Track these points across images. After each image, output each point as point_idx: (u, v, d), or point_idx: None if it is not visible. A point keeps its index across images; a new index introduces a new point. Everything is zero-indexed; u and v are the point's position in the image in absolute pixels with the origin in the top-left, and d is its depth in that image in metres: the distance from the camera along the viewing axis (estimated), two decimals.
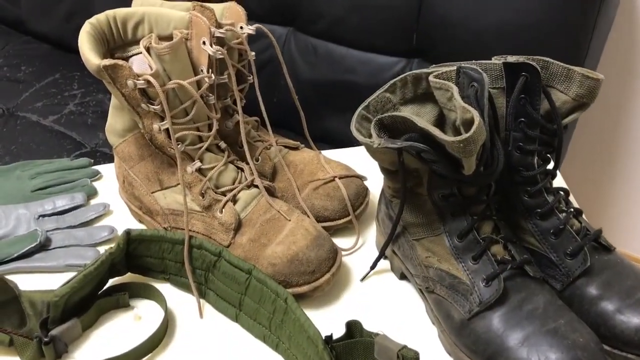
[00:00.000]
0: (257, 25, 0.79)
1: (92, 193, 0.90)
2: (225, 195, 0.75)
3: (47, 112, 1.57)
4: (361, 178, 0.82)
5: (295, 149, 0.86)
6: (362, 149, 1.00)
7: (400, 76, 0.71)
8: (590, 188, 1.67)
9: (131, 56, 0.77)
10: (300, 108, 0.86)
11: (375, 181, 0.87)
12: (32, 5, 1.80)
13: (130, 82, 0.69)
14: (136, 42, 0.77)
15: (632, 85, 1.48)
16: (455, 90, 0.61)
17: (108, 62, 0.68)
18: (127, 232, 0.73)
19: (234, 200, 0.76)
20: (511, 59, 0.67)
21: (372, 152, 0.67)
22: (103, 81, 0.73)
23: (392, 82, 0.71)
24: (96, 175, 0.93)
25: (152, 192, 0.80)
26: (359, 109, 0.70)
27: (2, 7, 1.87)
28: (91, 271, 0.70)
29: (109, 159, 1.40)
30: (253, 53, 0.79)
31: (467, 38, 1.25)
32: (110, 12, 0.75)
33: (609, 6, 1.21)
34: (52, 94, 1.63)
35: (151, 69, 0.69)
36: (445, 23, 1.26)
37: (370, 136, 0.70)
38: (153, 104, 0.71)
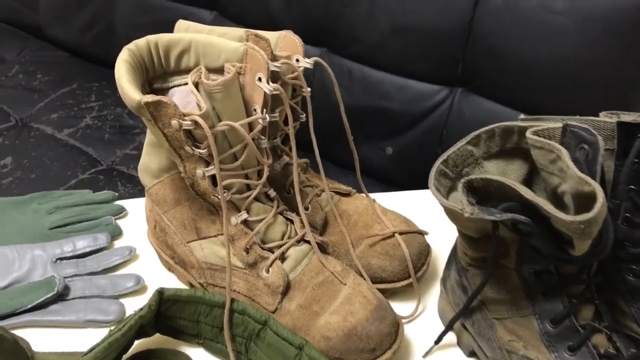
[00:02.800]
0: (315, 58, 0.68)
1: (116, 234, 0.79)
2: (273, 252, 0.64)
3: (63, 125, 1.46)
4: (423, 234, 0.71)
5: (347, 195, 0.75)
6: (414, 193, 0.89)
7: (487, 127, 0.60)
8: None
9: (172, 87, 0.66)
10: (354, 146, 0.75)
11: (437, 235, 0.76)
12: (50, 11, 1.70)
13: (174, 122, 0.58)
14: (179, 72, 0.66)
15: None
16: (565, 155, 0.51)
17: (151, 98, 0.57)
18: (160, 292, 0.62)
19: (283, 258, 0.65)
20: (627, 117, 0.56)
21: (456, 217, 0.56)
22: (142, 118, 0.62)
23: (475, 133, 0.60)
24: (121, 213, 0.82)
25: (188, 242, 0.69)
26: (437, 163, 0.60)
27: (20, 12, 1.77)
28: (117, 338, 0.59)
29: (126, 177, 1.29)
30: (309, 89, 0.69)
31: (518, 70, 1.14)
32: (151, 38, 0.64)
33: None
34: (69, 106, 1.52)
35: (199, 108, 0.58)
36: (495, 53, 1.15)
37: (448, 193, 0.59)
38: (199, 147, 0.60)
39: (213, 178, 0.62)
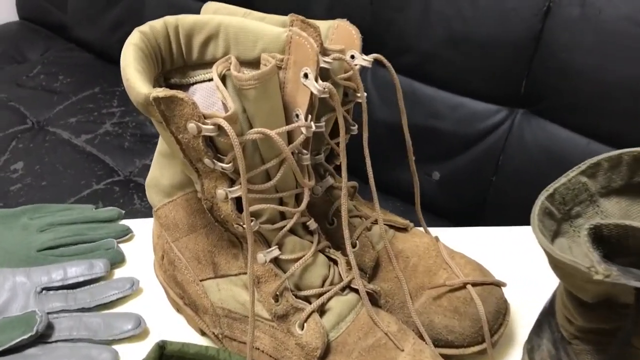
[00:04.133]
0: (376, 55, 0.52)
1: (117, 261, 0.64)
2: (309, 303, 0.48)
3: (81, 130, 1.33)
4: (500, 286, 0.55)
5: (404, 230, 0.59)
6: (482, 231, 0.73)
7: (609, 154, 0.43)
8: None
9: (193, 84, 0.51)
10: (414, 168, 0.59)
11: (515, 286, 0.59)
12: (78, 10, 1.58)
13: (192, 126, 0.43)
14: (203, 64, 0.51)
15: None
16: None
17: (162, 92, 0.42)
18: (161, 347, 0.47)
19: (322, 311, 0.49)
20: None
21: (571, 276, 0.39)
22: (152, 120, 0.47)
23: (593, 161, 0.44)
24: (126, 235, 0.67)
25: (202, 280, 0.53)
26: (541, 198, 0.43)
27: (48, 11, 1.65)
28: None
29: (143, 190, 1.14)
30: (365, 94, 0.53)
31: (593, 91, 0.97)
32: (170, 20, 0.49)
33: None
34: (89, 110, 1.39)
35: (225, 109, 0.43)
36: (567, 70, 0.98)
37: (552, 239, 0.43)
38: (222, 160, 0.45)
39: (238, 201, 0.47)
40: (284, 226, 0.48)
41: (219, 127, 0.43)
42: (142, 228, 0.68)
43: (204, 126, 0.43)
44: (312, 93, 0.46)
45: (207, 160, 0.45)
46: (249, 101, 0.43)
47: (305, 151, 0.47)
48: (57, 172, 1.22)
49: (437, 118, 1.12)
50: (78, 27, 1.59)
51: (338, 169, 0.55)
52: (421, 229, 0.60)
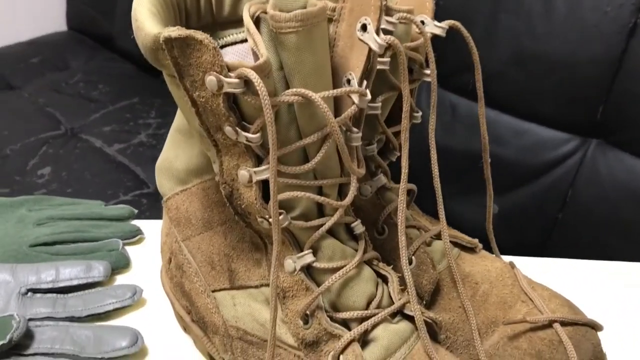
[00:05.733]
0: (452, 22, 0.41)
1: (120, 265, 0.53)
2: (349, 328, 0.37)
3: (114, 139, 1.26)
4: (597, 328, 0.42)
5: (472, 250, 0.46)
6: (565, 262, 0.60)
7: None
8: None
9: (223, 46, 0.41)
10: (489, 175, 0.47)
11: (612, 330, 0.46)
12: (125, 21, 1.53)
13: (211, 80, 0.32)
14: (235, 22, 0.40)
15: None
16: None
17: (176, 32, 0.32)
18: None
19: (365, 340, 0.37)
20: None
21: None
22: (164, 75, 0.36)
23: None
24: (135, 237, 0.57)
25: (214, 291, 0.42)
26: None
27: (96, 21, 1.62)
28: None
29: None
30: (432, 73, 0.42)
31: None
32: None
33: None
34: (125, 120, 1.32)
35: (257, 58, 0.33)
36: None
37: None
38: (247, 130, 0.34)
39: (265, 187, 0.36)
40: (322, 225, 0.37)
41: (246, 83, 0.32)
42: (155, 230, 0.57)
43: (226, 79, 0.32)
44: (370, 51, 0.35)
45: (228, 129, 0.34)
46: (287, 51, 0.33)
47: (355, 129, 0.36)
48: (84, 180, 1.15)
49: (499, 145, 1.00)
50: (123, 38, 1.54)
51: (394, 167, 0.44)
52: (494, 257, 0.48)
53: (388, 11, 0.39)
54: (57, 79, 1.46)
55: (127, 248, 0.55)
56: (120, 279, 0.52)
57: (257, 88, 0.31)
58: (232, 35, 0.41)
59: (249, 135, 0.34)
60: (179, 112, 0.43)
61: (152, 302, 0.50)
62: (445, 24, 0.41)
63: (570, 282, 0.54)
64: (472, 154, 1.03)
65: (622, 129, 0.91)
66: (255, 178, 0.35)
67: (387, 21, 0.37)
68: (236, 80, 0.32)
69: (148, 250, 0.55)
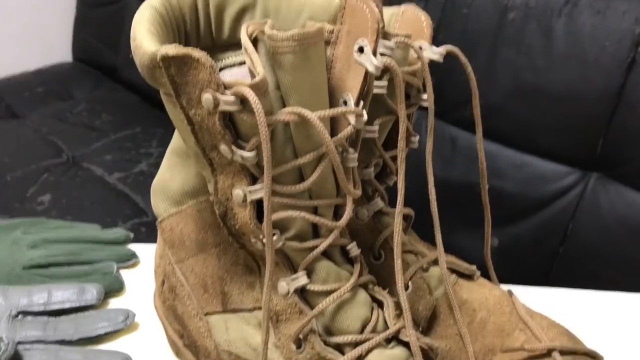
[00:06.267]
0: (449, 47, 0.42)
1: (114, 289, 0.52)
2: (342, 353, 0.36)
3: (115, 168, 1.26)
4: (596, 358, 0.41)
5: (469, 277, 0.46)
6: (564, 292, 0.59)
7: None
8: None
9: (222, 68, 0.41)
10: (487, 200, 0.47)
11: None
12: (129, 53, 1.55)
13: (207, 98, 0.32)
14: (234, 45, 0.41)
15: None
16: None
17: (173, 49, 0.32)
18: None
19: None
20: None
21: None
22: (160, 94, 0.37)
23: None
24: (130, 260, 0.56)
25: (207, 314, 0.41)
26: None
27: (101, 52, 1.64)
28: None
29: None
30: (429, 98, 0.42)
31: None
32: None
33: None
34: (126, 149, 1.32)
35: (252, 76, 0.33)
36: None
37: None
38: (242, 148, 0.34)
39: (259, 207, 0.35)
40: (317, 246, 0.36)
41: (242, 101, 0.32)
42: (150, 254, 0.56)
43: (222, 97, 0.32)
44: (366, 73, 0.35)
45: (223, 147, 0.34)
46: (284, 70, 0.33)
47: (351, 150, 0.36)
48: (83, 208, 1.14)
49: (499, 177, 0.99)
50: (128, 69, 1.56)
51: (391, 192, 0.44)
52: (492, 284, 0.47)
53: (386, 35, 0.39)
54: (61, 108, 1.47)
55: (122, 272, 0.54)
56: (114, 303, 0.52)
57: (253, 105, 0.31)
58: (231, 58, 0.41)
59: (244, 153, 0.33)
60: (175, 134, 0.43)
61: (145, 326, 0.49)
62: (443, 49, 0.41)
63: (570, 311, 0.53)
64: (472, 187, 1.03)
65: (622, 162, 0.90)
66: (250, 197, 0.35)
67: (385, 45, 0.38)
68: (232, 98, 0.32)
69: (143, 275, 0.54)
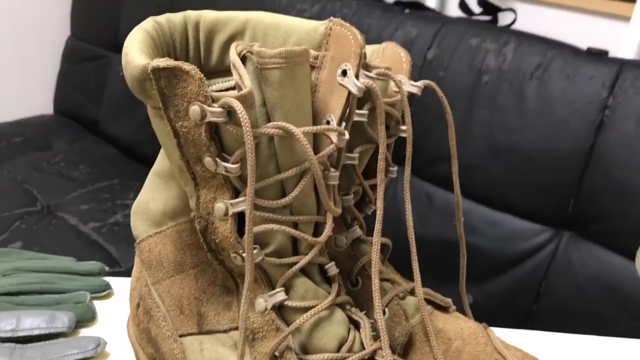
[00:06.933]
0: (426, 82, 0.44)
1: (86, 318, 0.51)
2: None
3: (90, 218, 1.25)
4: None
5: (445, 309, 0.46)
6: (540, 335, 0.59)
7: None
8: None
9: None
10: (464, 247, 0.48)
11: None
12: (112, 105, 1.57)
13: (195, 109, 0.33)
14: (222, 71, 0.42)
15: None
16: None
17: (164, 62, 0.33)
18: None
19: None
20: None
21: None
22: (147, 109, 0.38)
23: None
24: (104, 291, 0.55)
25: (182, 335, 0.41)
26: None
27: (83, 106, 1.65)
28: None
29: None
30: (408, 129, 0.43)
31: None
32: (191, 15, 0.42)
33: None
34: (103, 200, 1.32)
35: (239, 89, 0.34)
36: (620, 190, 0.89)
37: None
38: (226, 160, 0.35)
39: (241, 222, 0.36)
40: (296, 263, 0.37)
41: (229, 113, 0.33)
42: (124, 287, 0.56)
43: (209, 109, 0.33)
44: (349, 94, 0.36)
45: (208, 160, 0.35)
46: (271, 86, 0.34)
47: (333, 169, 0.37)
48: None
49: (474, 234, 1.01)
50: (109, 122, 1.57)
51: (369, 221, 0.45)
52: (467, 318, 0.47)
53: (367, 67, 0.41)
54: (39, 159, 1.47)
55: (95, 302, 0.54)
56: (85, 332, 0.51)
57: (240, 116, 0.32)
58: (218, 84, 0.42)
59: (229, 165, 0.34)
60: (159, 156, 0.44)
61: (117, 355, 0.48)
62: (421, 83, 0.43)
63: (544, 351, 0.53)
64: (448, 243, 1.05)
65: (593, 221, 0.93)
66: (232, 210, 0.35)
67: (367, 75, 0.39)
68: (219, 110, 0.33)
69: (116, 305, 0.54)
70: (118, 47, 1.51)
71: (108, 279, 0.57)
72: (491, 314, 1.01)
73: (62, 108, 1.71)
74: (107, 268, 0.58)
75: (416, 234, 0.99)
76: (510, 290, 0.98)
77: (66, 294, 0.53)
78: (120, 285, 0.56)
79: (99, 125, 1.60)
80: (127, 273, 1.10)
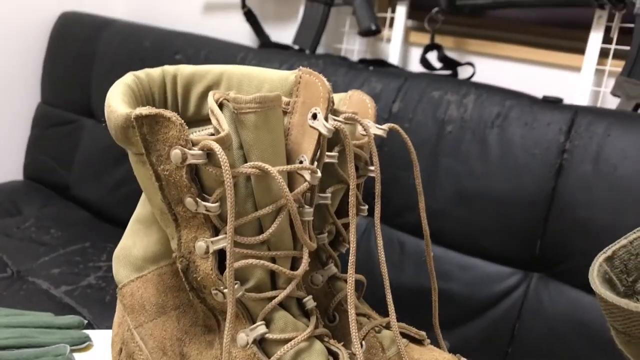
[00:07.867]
0: (391, 125, 0.47)
1: None
2: None
3: (62, 281, 1.24)
4: None
5: (420, 342, 0.48)
6: None
7: None
8: None
9: None
10: (435, 280, 0.50)
11: None
12: (83, 169, 1.58)
13: (176, 153, 0.36)
14: (199, 121, 0.45)
15: None
16: None
17: (146, 110, 0.36)
18: None
19: None
20: None
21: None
22: (129, 155, 0.40)
23: None
24: (83, 343, 0.56)
25: None
26: (598, 260, 0.35)
27: (54, 171, 1.66)
28: None
29: None
30: (376, 168, 0.46)
31: None
32: (169, 69, 0.45)
33: None
34: (75, 263, 1.31)
35: (216, 133, 0.37)
36: (583, 229, 0.92)
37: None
38: (206, 200, 0.37)
39: (221, 259, 0.38)
40: (275, 297, 0.38)
41: (209, 155, 0.36)
42: (104, 339, 0.57)
43: (190, 152, 0.36)
44: (320, 136, 0.39)
45: (189, 200, 0.37)
46: (247, 129, 0.37)
47: (307, 206, 0.40)
48: None
49: (446, 280, 1.03)
50: (80, 186, 1.58)
51: (343, 259, 0.47)
52: (441, 351, 0.49)
53: (335, 113, 0.44)
54: (8, 224, 1.46)
55: (75, 355, 0.54)
56: None
57: (219, 156, 0.35)
58: (196, 133, 0.45)
59: (209, 204, 0.37)
60: (139, 204, 0.46)
61: None
62: (386, 126, 0.46)
63: None
64: (421, 291, 1.07)
65: (560, 262, 0.96)
66: (212, 248, 0.37)
67: (335, 119, 0.43)
68: (199, 152, 0.36)
69: (96, 357, 0.54)
70: (89, 112, 1.53)
71: (87, 331, 0.58)
72: (467, 358, 1.03)
73: (32, 173, 1.71)
74: (85, 321, 0.59)
75: (390, 281, 1.00)
76: (485, 334, 1.00)
77: (46, 347, 0.54)
78: (100, 337, 0.57)
79: (70, 190, 1.60)
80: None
